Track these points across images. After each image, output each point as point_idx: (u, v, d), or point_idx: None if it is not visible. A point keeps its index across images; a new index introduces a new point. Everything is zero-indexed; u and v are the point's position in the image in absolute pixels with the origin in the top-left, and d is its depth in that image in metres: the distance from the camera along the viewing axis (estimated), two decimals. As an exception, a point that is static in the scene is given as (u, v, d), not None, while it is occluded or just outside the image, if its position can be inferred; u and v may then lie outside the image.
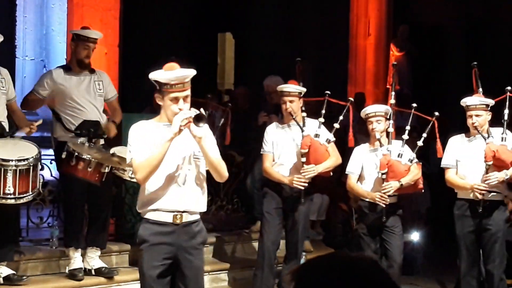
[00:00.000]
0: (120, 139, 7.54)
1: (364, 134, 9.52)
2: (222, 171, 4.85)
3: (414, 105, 7.31)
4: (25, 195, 6.14)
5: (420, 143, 7.02)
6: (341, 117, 7.15)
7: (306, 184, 6.90)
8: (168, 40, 12.70)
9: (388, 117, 6.98)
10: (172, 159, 4.65)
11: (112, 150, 6.65)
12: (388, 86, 11.69)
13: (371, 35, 11.72)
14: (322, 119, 7.05)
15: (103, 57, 8.47)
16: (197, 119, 4.52)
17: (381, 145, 6.85)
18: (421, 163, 7.08)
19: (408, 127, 7.10)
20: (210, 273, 7.79)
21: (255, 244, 7.92)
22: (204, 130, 4.61)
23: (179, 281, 4.77)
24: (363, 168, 6.96)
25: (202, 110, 4.61)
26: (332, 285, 1.88)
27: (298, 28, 13.35)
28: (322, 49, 12.99)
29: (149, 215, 4.71)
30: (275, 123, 7.19)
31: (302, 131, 6.91)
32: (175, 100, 4.61)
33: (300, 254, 7.31)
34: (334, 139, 7.05)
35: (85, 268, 6.84)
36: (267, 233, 7.11)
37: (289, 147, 7.01)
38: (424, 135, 7.09)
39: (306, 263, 1.98)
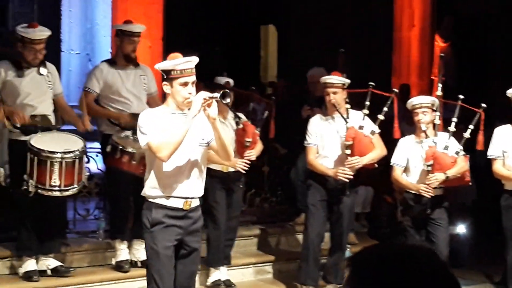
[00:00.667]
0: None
1: (409, 125, 9.46)
2: (230, 152, 5.05)
3: (461, 96, 7.21)
4: (70, 187, 6.21)
5: (466, 135, 6.93)
6: (385, 108, 7.09)
7: (351, 176, 6.87)
8: (211, 33, 12.73)
9: (434, 108, 6.91)
10: (184, 146, 4.81)
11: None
12: (433, 78, 11.58)
13: (415, 27, 11.59)
14: (366, 111, 7.01)
15: (147, 50, 8.50)
16: (223, 96, 4.75)
17: (427, 136, 6.78)
18: (468, 155, 6.99)
19: (454, 119, 7.01)
20: (255, 265, 7.81)
21: (299, 237, 7.92)
22: (216, 112, 4.78)
23: (180, 262, 5.01)
24: (408, 160, 6.90)
25: (215, 94, 4.78)
26: (390, 274, 1.87)
27: (341, 19, 13.27)
28: (366, 41, 12.88)
29: (160, 201, 4.89)
30: (319, 115, 7.16)
31: (346, 122, 6.87)
32: (185, 85, 4.82)
33: (345, 246, 7.28)
34: (378, 130, 7.00)
35: (131, 260, 6.90)
36: (311, 226, 7.09)
37: (333, 139, 6.98)
38: (471, 127, 6.99)
39: (364, 251, 1.97)
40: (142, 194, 5.04)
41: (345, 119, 6.88)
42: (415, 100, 7.00)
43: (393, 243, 2.00)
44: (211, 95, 4.75)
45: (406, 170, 6.94)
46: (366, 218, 9.49)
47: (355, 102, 7.16)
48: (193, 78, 4.89)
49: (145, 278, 6.87)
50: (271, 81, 13.36)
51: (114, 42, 7.75)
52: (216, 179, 7.14)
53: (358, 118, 6.96)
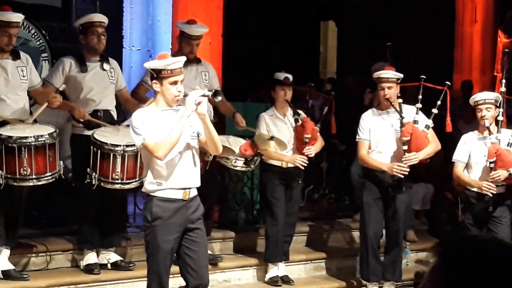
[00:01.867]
0: (224, 128, 7.63)
1: (465, 121, 9.33)
2: (219, 145, 5.25)
3: (525, 93, 7.10)
4: (131, 181, 6.28)
5: (530, 132, 6.80)
6: (438, 102, 7.00)
7: (407, 172, 6.81)
8: (270, 29, 12.73)
9: (498, 104, 6.79)
10: (180, 140, 5.03)
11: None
12: (495, 74, 11.38)
13: (478, 22, 11.43)
14: (419, 105, 6.93)
15: (207, 46, 8.55)
16: (215, 94, 5.09)
17: (490, 133, 6.67)
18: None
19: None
20: (313, 261, 7.80)
21: (357, 233, 7.87)
22: (206, 108, 5.02)
23: (188, 250, 5.16)
24: (470, 157, 6.80)
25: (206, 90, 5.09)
26: (482, 267, 1.85)
27: (402, 14, 13.15)
28: (427, 36, 12.74)
29: (160, 193, 5.08)
30: (371, 111, 7.09)
31: (402, 118, 6.80)
32: (175, 83, 5.04)
33: (401, 243, 7.18)
34: (432, 124, 6.92)
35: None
36: (368, 224, 7.04)
37: (388, 134, 6.91)
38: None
39: (453, 240, 1.95)
40: (142, 190, 5.25)
41: (400, 114, 6.81)
42: (478, 96, 6.90)
43: (485, 237, 1.96)
44: (203, 93, 5.00)
45: (467, 166, 6.84)
46: (426, 215, 9.38)
47: (406, 97, 7.08)
48: (181, 77, 5.11)
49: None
50: (330, 77, 13.31)
51: (175, 38, 7.80)
52: (275, 175, 7.15)
53: (412, 113, 6.89)
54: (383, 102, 6.96)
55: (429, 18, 12.75)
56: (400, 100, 6.91)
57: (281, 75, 7.21)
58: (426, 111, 6.97)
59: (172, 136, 4.94)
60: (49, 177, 6.01)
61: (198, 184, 5.26)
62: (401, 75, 6.96)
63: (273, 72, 7.34)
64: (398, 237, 7.08)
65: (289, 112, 7.20)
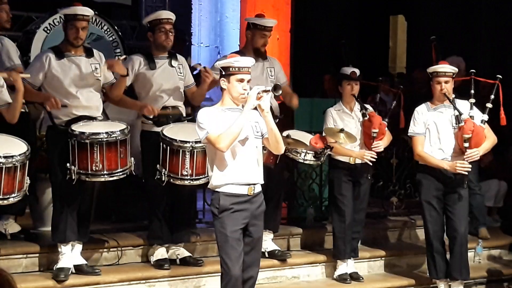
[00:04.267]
0: (293, 122, 7.62)
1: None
2: (281, 144, 5.34)
3: None
4: (201, 176, 6.31)
5: None
6: (492, 96, 6.85)
7: (470, 169, 6.69)
8: (339, 24, 12.65)
9: None
10: (243, 137, 5.18)
11: (286, 133, 6.72)
12: None
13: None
14: (473, 100, 6.79)
15: (275, 42, 8.55)
16: (275, 88, 5.11)
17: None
18: None
19: None
20: (383, 258, 7.73)
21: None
22: (268, 105, 5.12)
23: (246, 242, 5.29)
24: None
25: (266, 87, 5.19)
26: None
27: (473, 8, 12.90)
28: (498, 30, 12.47)
29: (226, 188, 5.21)
30: (425, 105, 6.97)
31: (460, 114, 6.68)
32: (241, 81, 5.19)
33: (465, 241, 6.99)
34: (487, 118, 6.77)
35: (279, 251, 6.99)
36: (429, 222, 6.93)
37: (446, 129, 6.79)
38: None
39: None
40: (208, 186, 5.36)
41: (459, 110, 6.68)
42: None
43: None
44: (264, 88, 5.13)
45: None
46: (499, 212, 9.21)
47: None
48: (249, 76, 5.24)
49: (272, 268, 7.03)
50: (399, 72, 13.16)
51: (243, 35, 7.82)
52: (343, 171, 7.10)
53: (466, 108, 6.75)
54: (438, 97, 6.84)
55: (500, 10, 12.47)
56: (453, 96, 6.79)
57: (348, 70, 7.16)
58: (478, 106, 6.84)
59: (233, 128, 5.07)
60: (120, 173, 6.08)
61: (262, 181, 5.34)
62: (457, 70, 6.86)
63: (341, 67, 7.29)
64: (461, 235, 6.90)
65: (356, 106, 7.14)
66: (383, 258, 7.73)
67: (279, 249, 7.17)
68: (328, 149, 6.95)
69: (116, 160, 6.03)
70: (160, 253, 6.63)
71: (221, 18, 10.22)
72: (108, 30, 7.71)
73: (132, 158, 6.17)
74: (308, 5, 11.48)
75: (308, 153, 6.89)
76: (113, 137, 6.01)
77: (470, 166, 6.70)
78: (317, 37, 12.33)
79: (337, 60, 8.30)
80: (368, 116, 7.00)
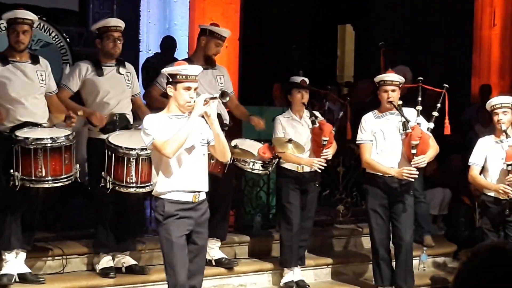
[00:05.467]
0: (241, 131, 7.63)
1: (482, 125, 9.28)
2: (227, 152, 5.44)
3: (543, 97, 7.05)
4: (146, 184, 6.28)
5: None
6: (438, 105, 6.96)
7: (417, 176, 6.78)
8: (288, 33, 12.73)
9: (515, 108, 6.75)
10: (189, 144, 5.20)
11: (233, 142, 6.72)
12: (514, 78, 11.31)
13: (497, 25, 11.36)
14: (419, 107, 6.89)
15: (224, 50, 8.52)
16: (222, 95, 5.24)
17: (507, 136, 6.63)
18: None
19: (536, 120, 6.84)
20: (329, 266, 7.77)
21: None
22: (215, 112, 5.22)
23: (190, 250, 5.34)
24: (486, 160, 6.77)
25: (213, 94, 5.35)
26: (505, 275, 1.87)
27: (421, 18, 13.10)
28: (446, 40, 12.70)
29: (171, 195, 5.25)
30: (372, 113, 7.05)
31: (408, 121, 6.76)
32: (188, 89, 5.23)
33: (410, 248, 7.06)
34: (433, 126, 6.88)
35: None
36: (375, 230, 7.00)
37: (393, 137, 6.87)
38: (552, 128, 6.82)
39: (478, 248, 1.97)
40: (153, 193, 5.40)
41: (406, 118, 6.77)
42: (494, 100, 6.87)
43: (504, 242, 2.00)
44: (211, 95, 5.22)
45: (484, 170, 6.81)
46: (444, 220, 9.33)
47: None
48: (195, 84, 5.29)
49: (219, 276, 7.02)
50: (347, 81, 13.28)
51: (192, 42, 7.81)
52: (290, 180, 7.13)
53: (413, 115, 6.85)
54: (385, 105, 6.92)
55: (448, 22, 12.69)
56: (400, 102, 6.87)
57: (298, 78, 7.20)
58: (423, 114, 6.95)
59: (179, 135, 5.09)
60: (65, 179, 6.02)
61: (207, 188, 5.38)
62: (403, 79, 6.96)
63: (291, 76, 7.33)
64: (406, 243, 6.97)
65: (306, 114, 7.18)
66: (329, 266, 7.78)
67: (226, 257, 7.17)
68: (277, 159, 6.97)
69: (60, 166, 5.97)
70: (105, 261, 6.58)
71: (170, 25, 10.20)
72: (56, 36, 7.63)
73: (78, 165, 6.11)
74: (257, 13, 11.52)
75: (256, 163, 6.90)
76: (58, 142, 5.96)
77: (417, 172, 6.79)
78: (266, 46, 12.39)
79: (286, 68, 8.35)
80: (318, 124, 7.04)
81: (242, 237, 7.66)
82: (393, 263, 7.11)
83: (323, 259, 7.81)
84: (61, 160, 5.96)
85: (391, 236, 7.07)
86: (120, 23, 6.71)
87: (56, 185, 6.02)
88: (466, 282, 1.94)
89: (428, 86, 7.12)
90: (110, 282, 6.49)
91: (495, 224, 6.73)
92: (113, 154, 6.21)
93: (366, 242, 8.12)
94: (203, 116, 5.25)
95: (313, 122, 7.07)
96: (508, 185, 6.52)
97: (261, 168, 6.97)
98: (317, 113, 7.23)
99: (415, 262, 7.76)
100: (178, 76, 5.24)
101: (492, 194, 6.72)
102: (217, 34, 7.02)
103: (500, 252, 1.94)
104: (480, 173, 6.84)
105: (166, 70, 5.35)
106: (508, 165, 6.53)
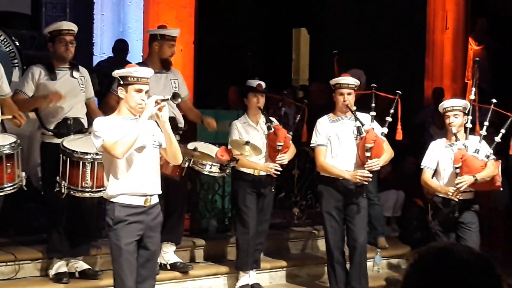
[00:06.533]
0: (195, 134, 7.62)
1: (437, 127, 9.41)
2: (179, 154, 5.40)
3: (494, 100, 7.18)
4: (101, 189, 6.23)
5: (497, 139, 6.88)
6: (391, 110, 7.06)
7: (370, 179, 6.85)
8: (243, 36, 12.74)
9: (466, 112, 6.86)
10: (140, 147, 5.18)
11: (193, 145, 6.71)
12: (466, 81, 11.47)
13: (449, 29, 11.51)
14: (373, 113, 6.97)
15: (179, 54, 8.51)
16: (174, 96, 5.21)
17: (457, 139, 6.73)
18: (499, 160, 6.92)
19: (486, 123, 6.96)
20: (284, 268, 7.80)
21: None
22: (167, 115, 5.17)
23: (140, 257, 5.31)
24: (438, 163, 6.86)
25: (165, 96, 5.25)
26: (452, 276, 1.92)
27: (375, 22, 13.22)
28: (399, 44, 12.82)
29: (121, 199, 5.20)
30: (327, 116, 7.10)
31: (363, 124, 6.83)
32: (139, 91, 5.22)
33: (364, 250, 7.12)
34: (387, 131, 6.97)
35: (160, 263, 6.92)
36: (329, 233, 7.05)
37: (348, 141, 6.93)
38: (503, 131, 6.94)
39: (426, 249, 2.00)
40: (103, 195, 5.38)
41: (360, 121, 6.84)
42: (446, 103, 6.96)
43: (457, 249, 2.02)
44: (162, 97, 5.16)
45: (436, 173, 6.90)
46: (397, 222, 9.42)
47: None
48: (147, 87, 5.28)
49: (173, 280, 7.01)
50: (302, 84, 13.33)
51: (146, 46, 7.78)
52: (247, 183, 7.15)
53: (367, 120, 6.93)
54: (340, 109, 6.97)
55: (401, 25, 12.82)
56: (355, 108, 6.94)
57: (254, 82, 7.21)
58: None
59: (129, 136, 5.06)
60: (9, 188, 5.90)
61: (159, 191, 5.34)
62: (359, 82, 7.03)
63: (246, 80, 7.34)
64: (360, 245, 7.03)
65: (262, 119, 7.20)
66: (284, 269, 7.81)
67: (181, 261, 7.16)
68: (234, 161, 6.99)
69: (1, 175, 5.83)
70: (59, 266, 6.52)
71: (124, 28, 10.14)
72: (4, 40, 7.54)
73: (24, 173, 6.01)
74: (211, 17, 11.52)
75: (214, 166, 6.90)
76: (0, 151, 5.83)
77: (371, 175, 6.85)
78: (221, 49, 12.39)
79: (242, 72, 8.36)
80: (273, 129, 7.07)
81: (197, 240, 7.65)
82: (348, 265, 7.18)
83: (279, 262, 7.84)
84: (2, 169, 5.83)
85: (345, 238, 7.13)
86: (73, 27, 6.66)
87: (1, 194, 5.91)
88: (414, 284, 1.97)
89: (381, 93, 7.21)
90: (62, 288, 6.44)
91: (446, 226, 6.83)
92: (68, 159, 6.17)
93: (322, 244, 8.17)
94: (154, 119, 5.23)
95: (268, 128, 7.09)
96: (457, 187, 6.61)
97: (218, 171, 6.97)
98: (272, 118, 7.26)
99: (369, 264, 7.83)
100: (129, 78, 5.23)
101: (442, 195, 6.81)
102: (168, 36, 7.01)
103: (448, 254, 1.97)
104: (433, 176, 6.92)
105: (117, 72, 5.33)
106: (456, 167, 6.62)
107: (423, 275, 1.94)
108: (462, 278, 1.91)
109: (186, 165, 6.50)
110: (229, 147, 6.99)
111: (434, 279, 1.92)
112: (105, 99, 7.07)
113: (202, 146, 7.00)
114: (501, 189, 7.12)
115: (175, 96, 5.23)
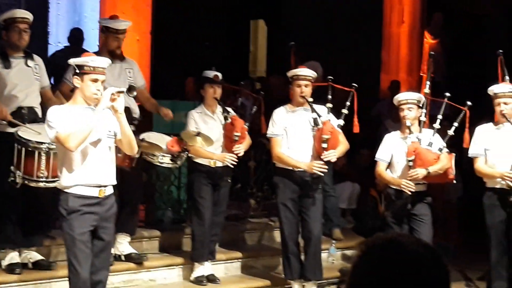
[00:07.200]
0: (151, 125, 7.59)
1: (393, 120, 9.50)
2: (134, 145, 5.41)
3: (448, 94, 7.26)
4: (57, 179, 6.16)
5: (450, 132, 6.98)
6: (348, 103, 7.11)
7: (326, 170, 6.89)
8: (201, 27, 12.70)
9: (420, 105, 6.93)
10: (95, 138, 5.16)
11: (141, 136, 6.69)
12: (422, 74, 11.59)
13: (405, 23, 11.61)
14: (330, 105, 7.02)
15: (135, 44, 8.49)
16: (130, 89, 5.29)
17: (411, 133, 6.80)
18: (453, 153, 7.02)
19: (440, 116, 7.04)
20: (239, 260, 7.81)
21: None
22: (123, 106, 5.15)
23: (95, 247, 5.30)
24: (392, 156, 6.93)
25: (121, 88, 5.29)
26: (399, 266, 1.93)
27: (332, 14, 13.27)
28: (356, 37, 12.89)
29: (76, 190, 5.19)
30: (284, 108, 7.13)
31: (319, 116, 6.87)
32: (95, 81, 5.19)
33: (319, 242, 7.17)
34: (343, 123, 7.02)
35: (114, 254, 6.89)
36: (285, 224, 7.08)
37: (304, 132, 6.96)
38: (456, 124, 7.03)
39: (374, 240, 2.01)
40: (57, 185, 5.33)
41: (317, 113, 6.88)
42: (401, 96, 7.03)
43: (404, 240, 2.03)
44: (118, 89, 5.15)
45: (390, 165, 6.97)
46: (352, 214, 9.50)
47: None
48: (103, 77, 5.26)
49: (128, 271, 6.98)
50: (260, 76, 13.33)
51: (100, 36, 7.73)
52: (203, 174, 7.14)
53: (323, 112, 6.97)
54: (297, 100, 7.01)
55: (358, 18, 12.89)
56: (311, 99, 6.97)
57: (211, 73, 7.21)
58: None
59: (84, 128, 5.03)
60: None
61: (114, 182, 5.34)
62: (316, 74, 7.06)
63: (203, 70, 7.33)
64: (315, 236, 7.08)
65: (219, 109, 7.20)
66: (240, 260, 7.82)
67: (136, 252, 7.13)
68: (185, 152, 6.97)
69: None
70: (11, 257, 6.45)
71: (80, 17, 10.06)
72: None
73: None
74: (169, 7, 11.46)
75: (165, 156, 6.89)
76: None
77: (327, 167, 6.90)
78: (178, 39, 12.34)
79: (199, 62, 8.34)
80: (230, 120, 7.07)
81: (152, 231, 7.63)
82: (303, 256, 7.22)
83: (234, 253, 7.86)
84: None
85: (300, 229, 7.17)
86: (27, 15, 6.58)
87: None
88: (361, 275, 1.98)
89: (338, 85, 7.25)
90: (15, 279, 6.37)
91: (399, 218, 6.90)
92: (23, 148, 6.09)
93: (278, 236, 8.19)
94: (110, 109, 5.20)
95: (225, 118, 7.10)
96: (410, 180, 6.69)
97: (169, 162, 6.96)
98: (229, 109, 7.26)
99: (324, 255, 7.88)
100: (85, 68, 5.19)
101: (395, 187, 6.89)
102: (112, 29, 6.95)
103: (395, 245, 1.99)
104: (388, 168, 6.99)
105: (74, 61, 5.29)
106: (409, 160, 6.70)
107: (370, 266, 1.95)
108: (409, 269, 1.93)
109: (136, 156, 6.47)
110: (181, 138, 6.97)
111: (381, 270, 1.94)
112: (58, 87, 7.01)
113: (156, 137, 6.99)
114: (454, 181, 7.22)
115: (130, 89, 5.25)
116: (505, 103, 6.67)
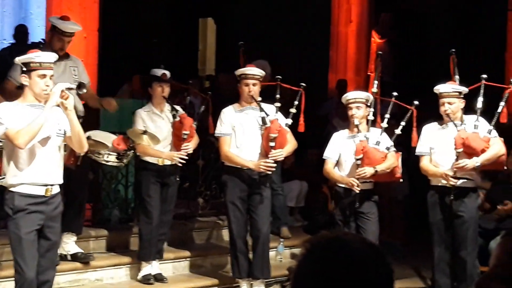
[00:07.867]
0: (98, 123, 7.51)
1: (341, 119, 9.57)
2: (84, 142, 5.39)
3: (395, 93, 7.33)
4: (2, 176, 6.03)
5: (398, 131, 7.06)
6: (296, 102, 7.14)
7: (274, 169, 6.90)
8: (149, 25, 12.63)
9: (368, 104, 6.99)
10: (42, 136, 5.11)
11: (87, 134, 6.60)
12: (369, 73, 11.69)
13: (353, 22, 11.69)
14: (278, 104, 7.05)
15: (82, 41, 8.38)
16: (79, 86, 5.30)
17: (359, 131, 6.85)
18: (400, 152, 7.09)
19: (387, 115, 7.11)
20: (187, 258, 7.78)
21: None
22: (72, 104, 5.12)
23: (40, 247, 5.25)
24: (340, 154, 6.97)
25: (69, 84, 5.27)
26: (342, 264, 1.94)
27: (280, 13, 13.31)
28: (304, 36, 12.95)
29: (22, 188, 5.14)
30: (232, 107, 7.13)
31: (267, 115, 6.89)
32: (43, 76, 5.13)
33: (267, 240, 7.18)
34: (291, 122, 7.05)
35: (60, 254, 6.80)
36: (233, 222, 7.07)
37: (252, 131, 6.97)
38: (403, 123, 7.11)
39: (318, 238, 2.01)
40: (3, 184, 5.25)
41: (265, 112, 6.89)
42: (349, 95, 7.08)
43: (347, 238, 2.03)
44: (68, 86, 5.13)
45: (338, 164, 7.01)
46: (300, 212, 9.53)
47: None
48: (51, 72, 5.21)
49: (74, 271, 6.90)
50: (208, 74, 13.32)
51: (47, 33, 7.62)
52: (151, 173, 7.09)
53: (271, 111, 6.99)
54: (246, 99, 7.01)
55: (305, 17, 12.95)
56: (260, 98, 6.98)
57: (159, 72, 7.17)
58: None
59: (33, 125, 4.97)
60: None
61: (61, 181, 5.29)
62: (264, 73, 7.08)
63: (151, 68, 7.28)
64: (263, 234, 7.08)
65: (167, 107, 7.16)
66: (188, 259, 7.79)
67: (82, 251, 7.05)
68: (132, 151, 6.92)
69: None
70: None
71: (26, 14, 9.92)
72: None
73: None
74: (117, 4, 11.37)
75: (111, 155, 6.82)
76: None
77: (275, 165, 6.91)
78: (126, 37, 12.25)
79: (147, 60, 8.28)
80: (179, 118, 7.04)
81: (99, 231, 7.55)
82: (251, 255, 7.22)
83: (182, 252, 7.82)
84: None
85: (248, 228, 7.17)
86: None
87: None
88: (306, 273, 1.98)
89: (286, 85, 7.27)
90: None
91: (346, 215, 6.95)
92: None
93: (226, 234, 8.18)
94: (59, 106, 5.14)
95: (173, 116, 7.06)
96: (357, 178, 6.74)
97: (115, 160, 6.90)
98: (177, 107, 7.23)
99: (272, 253, 7.89)
100: (32, 64, 5.13)
101: (343, 185, 6.94)
102: (58, 30, 6.85)
103: (340, 244, 1.99)
104: (336, 166, 7.03)
105: (20, 59, 5.23)
106: (357, 159, 6.75)
107: (315, 264, 1.96)
108: (353, 268, 1.94)
109: (81, 154, 6.38)
110: (127, 136, 6.92)
111: (325, 268, 1.94)
112: (2, 85, 6.88)
113: (102, 135, 6.91)
114: (401, 180, 7.30)
115: (80, 86, 5.20)
116: (449, 103, 6.75)
